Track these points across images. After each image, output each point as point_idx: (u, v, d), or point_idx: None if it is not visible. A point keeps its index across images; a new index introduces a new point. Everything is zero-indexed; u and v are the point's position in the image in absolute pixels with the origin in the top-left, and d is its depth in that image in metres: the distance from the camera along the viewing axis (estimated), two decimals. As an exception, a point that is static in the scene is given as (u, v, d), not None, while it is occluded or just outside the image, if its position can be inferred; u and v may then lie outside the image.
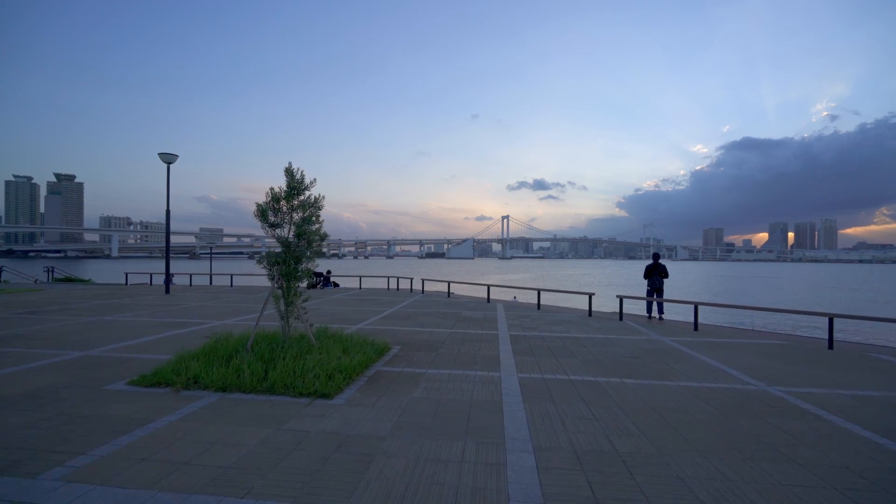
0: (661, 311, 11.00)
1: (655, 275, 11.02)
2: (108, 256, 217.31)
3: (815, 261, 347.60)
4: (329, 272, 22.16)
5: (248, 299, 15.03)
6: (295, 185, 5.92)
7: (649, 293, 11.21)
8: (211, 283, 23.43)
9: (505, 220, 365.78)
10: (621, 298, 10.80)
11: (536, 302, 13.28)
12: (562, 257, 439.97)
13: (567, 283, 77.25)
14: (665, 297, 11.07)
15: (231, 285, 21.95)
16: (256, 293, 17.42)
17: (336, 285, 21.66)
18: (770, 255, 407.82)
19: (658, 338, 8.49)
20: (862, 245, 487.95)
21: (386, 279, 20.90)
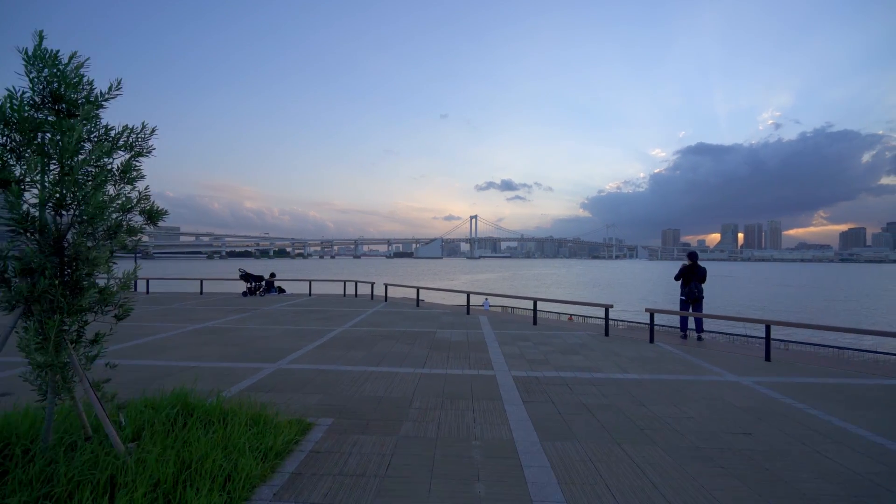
0: (700, 328, 8.32)
1: (694, 281, 8.31)
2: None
3: (763, 260, 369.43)
4: (273, 275, 18.43)
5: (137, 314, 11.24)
6: (62, 80, 2.53)
7: (684, 305, 8.50)
8: (138, 289, 19.02)
9: (473, 220, 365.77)
10: (652, 313, 8.01)
11: (532, 315, 10.33)
12: (528, 257, 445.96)
13: (537, 282, 75.91)
14: (677, 303, 8.44)
15: (146, 291, 17.78)
16: (167, 303, 13.58)
17: (281, 291, 17.98)
18: (722, 255, 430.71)
19: (732, 378, 5.70)
20: (803, 245, 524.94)
21: (342, 283, 17.44)
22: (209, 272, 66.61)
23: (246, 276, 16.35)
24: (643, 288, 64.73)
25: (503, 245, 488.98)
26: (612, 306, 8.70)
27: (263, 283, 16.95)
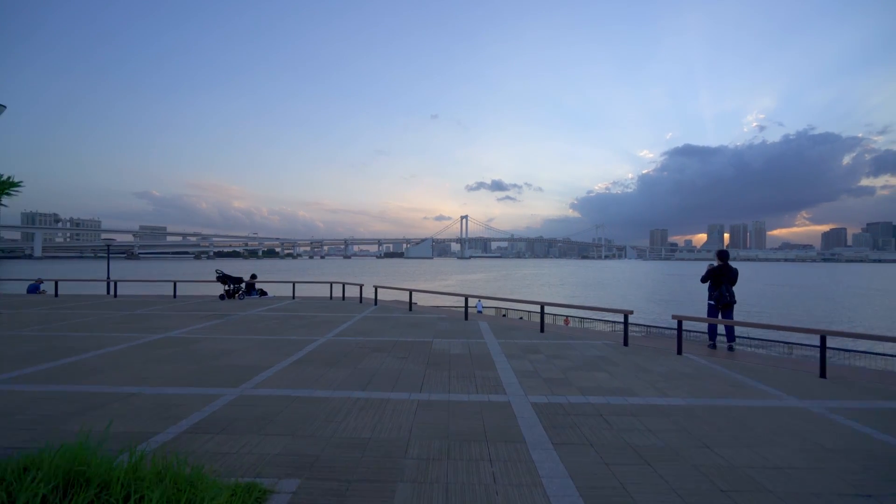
0: (731, 336, 7.35)
1: (725, 284, 7.33)
2: (31, 256, 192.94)
3: (748, 259, 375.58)
4: (254, 277, 17.14)
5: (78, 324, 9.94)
6: None
7: (713, 310, 7.52)
8: (109, 292, 17.51)
9: (464, 220, 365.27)
10: (680, 321, 7.01)
11: (539, 322, 9.26)
12: (519, 257, 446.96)
13: (528, 283, 75.46)
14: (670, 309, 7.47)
15: (114, 295, 16.36)
16: (130, 308, 12.26)
17: (263, 294, 16.70)
18: (709, 255, 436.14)
19: (796, 402, 4.71)
20: (786, 245, 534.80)
21: (329, 285, 16.22)
22: (185, 274, 64.26)
23: (223, 278, 15.05)
24: (639, 288, 64.43)
25: (493, 245, 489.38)
26: (631, 312, 7.69)
27: (242, 285, 15.67)
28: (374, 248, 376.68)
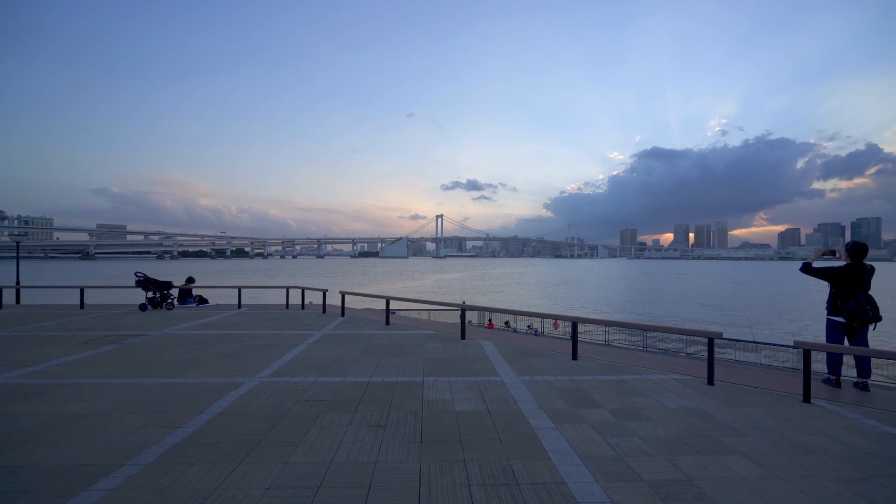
0: (867, 370, 4.99)
1: (860, 292, 4.92)
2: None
3: (711, 258, 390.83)
4: (191, 281, 13.89)
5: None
6: None
7: (837, 331, 5.11)
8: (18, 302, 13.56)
9: (439, 220, 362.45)
10: (808, 351, 4.56)
11: (572, 346, 6.61)
12: (494, 256, 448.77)
13: (507, 281, 73.65)
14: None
15: (16, 303, 12.79)
16: (3, 324, 8.93)
17: (202, 301, 13.48)
18: (675, 254, 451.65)
19: None
20: (746, 244, 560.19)
21: (285, 290, 13.19)
22: (112, 276, 57.58)
23: (145, 283, 11.80)
24: (615, 287, 63.58)
25: (469, 244, 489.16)
26: (720, 335, 5.23)
27: (173, 291, 12.43)
28: (348, 248, 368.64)
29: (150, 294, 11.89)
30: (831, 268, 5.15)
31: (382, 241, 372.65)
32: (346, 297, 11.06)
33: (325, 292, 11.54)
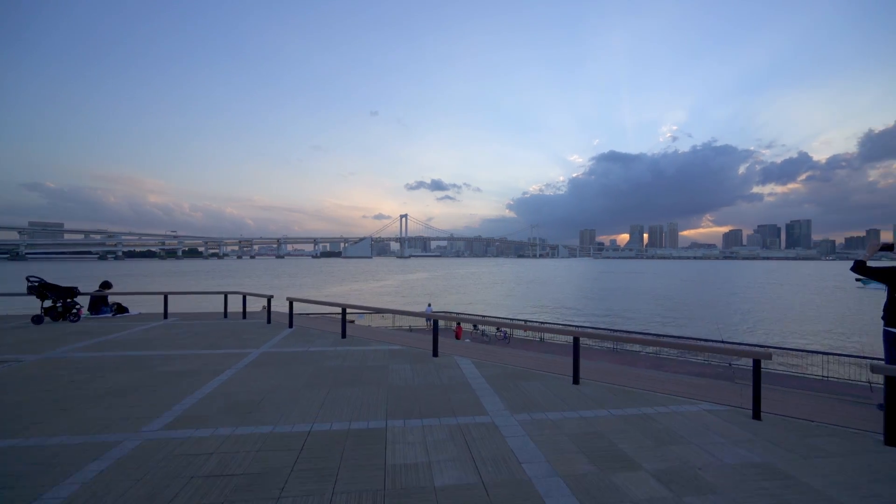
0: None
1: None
2: None
3: (664, 258, 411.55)
4: (106, 286, 11.62)
5: None
6: None
7: (894, 346, 4.19)
8: None
9: (403, 219, 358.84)
10: (892, 380, 3.54)
11: (573, 370, 5.31)
12: (458, 256, 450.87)
13: (472, 281, 72.92)
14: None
15: None
16: None
17: (121, 310, 11.26)
18: (631, 253, 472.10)
19: None
20: (694, 244, 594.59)
21: (223, 296, 11.24)
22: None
23: (39, 290, 9.55)
24: (580, 285, 64.30)
25: (433, 244, 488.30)
26: (770, 356, 4.14)
27: (79, 299, 10.20)
28: (309, 248, 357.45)
29: (55, 303, 9.66)
30: (892, 268, 4.20)
31: (346, 240, 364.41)
32: (307, 305, 9.37)
33: (269, 298, 9.77)
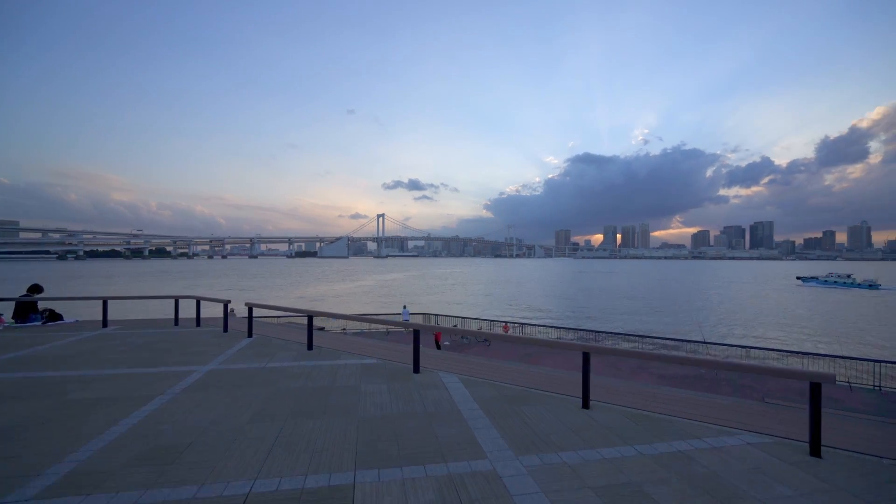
0: None
1: None
2: None
3: (636, 257, 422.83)
4: (36, 290, 10.11)
5: None
6: None
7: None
8: None
9: (380, 219, 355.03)
10: None
11: (583, 392, 4.44)
12: (435, 255, 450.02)
13: (449, 282, 72.04)
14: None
15: None
16: None
17: (54, 318, 9.80)
18: (605, 253, 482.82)
19: None
20: (665, 245, 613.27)
21: (173, 302, 9.94)
22: None
23: (-55, 295, 8.05)
24: (558, 284, 64.43)
25: (410, 244, 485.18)
26: (833, 378, 3.42)
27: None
28: (284, 247, 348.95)
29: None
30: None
31: (321, 240, 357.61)
32: (271, 311, 8.24)
33: (226, 304, 8.58)
